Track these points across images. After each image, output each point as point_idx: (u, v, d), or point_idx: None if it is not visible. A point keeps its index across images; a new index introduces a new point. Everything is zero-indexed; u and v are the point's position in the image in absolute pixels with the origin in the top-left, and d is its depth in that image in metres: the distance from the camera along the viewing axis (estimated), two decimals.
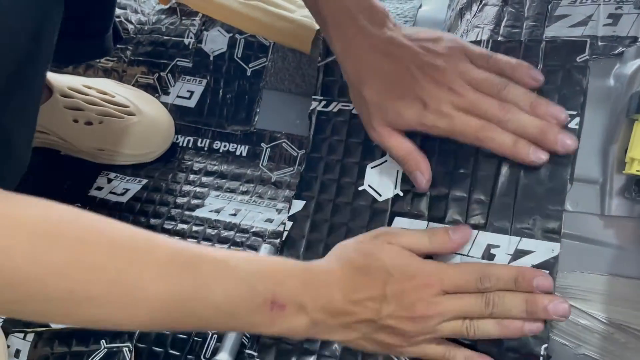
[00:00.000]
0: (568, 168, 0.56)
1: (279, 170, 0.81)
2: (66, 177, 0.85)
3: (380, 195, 0.64)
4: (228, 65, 0.86)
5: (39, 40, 0.53)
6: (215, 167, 0.83)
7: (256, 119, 0.84)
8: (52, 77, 0.83)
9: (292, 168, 0.80)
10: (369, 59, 0.60)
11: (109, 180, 0.84)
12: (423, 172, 0.60)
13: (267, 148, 0.82)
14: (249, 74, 0.85)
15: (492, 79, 0.58)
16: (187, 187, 0.82)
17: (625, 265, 0.53)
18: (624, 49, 0.57)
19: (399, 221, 0.62)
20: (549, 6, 0.63)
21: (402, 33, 0.60)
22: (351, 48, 0.61)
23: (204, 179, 0.82)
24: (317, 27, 0.78)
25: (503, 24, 0.64)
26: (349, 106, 0.68)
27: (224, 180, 0.82)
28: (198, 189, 0.81)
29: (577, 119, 0.56)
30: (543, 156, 0.56)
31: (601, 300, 0.53)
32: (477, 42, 0.63)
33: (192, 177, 0.83)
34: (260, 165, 0.82)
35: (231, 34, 0.86)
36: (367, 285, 0.53)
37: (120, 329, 0.48)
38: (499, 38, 0.63)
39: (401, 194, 0.63)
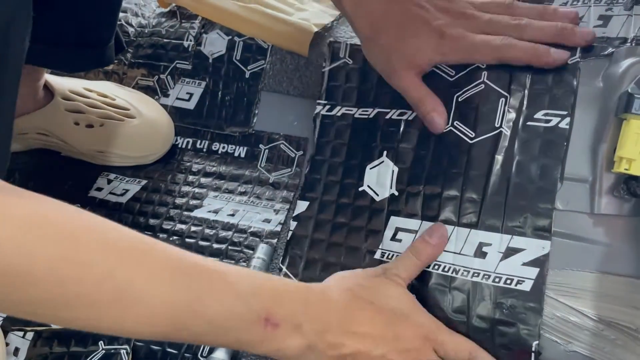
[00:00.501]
0: (558, 167, 0.56)
1: (277, 171, 0.82)
2: (67, 178, 0.86)
3: (377, 195, 0.65)
4: (227, 67, 0.87)
5: (6, 43, 0.50)
6: (214, 168, 0.84)
7: (254, 121, 0.84)
8: (53, 80, 0.84)
9: (290, 169, 0.81)
10: (380, 8, 0.62)
11: (109, 181, 0.85)
12: (440, 113, 0.61)
13: (265, 149, 0.83)
14: (247, 76, 0.85)
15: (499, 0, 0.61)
16: (185, 188, 0.82)
17: (615, 262, 0.53)
18: (613, 49, 0.57)
19: (394, 220, 0.63)
20: None
21: None
22: (362, 3, 0.63)
23: (203, 180, 0.83)
24: (315, 29, 0.79)
25: None
26: (351, 110, 0.69)
27: (222, 181, 0.82)
28: (197, 190, 0.82)
29: (567, 119, 0.57)
30: (564, 55, 0.58)
31: (591, 297, 0.53)
32: None
33: (190, 178, 0.84)
34: (258, 166, 0.83)
35: (230, 37, 0.87)
36: (369, 320, 0.52)
37: (107, 332, 0.46)
38: None
39: (396, 193, 0.63)
